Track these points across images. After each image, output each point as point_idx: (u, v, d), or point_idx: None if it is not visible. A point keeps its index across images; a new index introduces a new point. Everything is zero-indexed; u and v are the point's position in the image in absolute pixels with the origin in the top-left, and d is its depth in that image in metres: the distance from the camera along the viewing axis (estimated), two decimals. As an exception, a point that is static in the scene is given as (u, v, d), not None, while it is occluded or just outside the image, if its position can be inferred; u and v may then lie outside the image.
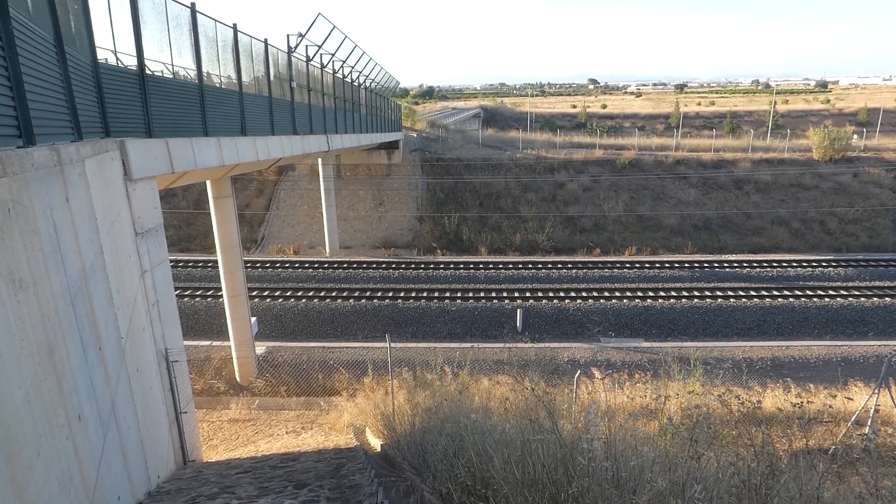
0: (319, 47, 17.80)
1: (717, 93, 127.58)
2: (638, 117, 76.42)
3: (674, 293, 21.03)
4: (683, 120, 63.60)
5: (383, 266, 25.36)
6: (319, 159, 27.35)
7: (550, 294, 21.27)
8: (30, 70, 3.98)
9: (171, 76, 8.57)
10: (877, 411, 10.15)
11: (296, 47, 16.36)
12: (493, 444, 4.94)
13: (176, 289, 14.35)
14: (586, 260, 26.26)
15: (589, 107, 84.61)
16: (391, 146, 32.89)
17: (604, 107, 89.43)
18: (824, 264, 24.71)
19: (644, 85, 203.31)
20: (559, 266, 24.98)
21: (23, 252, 3.32)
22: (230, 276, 15.30)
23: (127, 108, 7.02)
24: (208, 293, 21.17)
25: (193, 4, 8.99)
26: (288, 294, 21.38)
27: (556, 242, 28.76)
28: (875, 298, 20.15)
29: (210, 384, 15.04)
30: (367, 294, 21.42)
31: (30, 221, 3.49)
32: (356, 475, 6.14)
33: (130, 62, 7.34)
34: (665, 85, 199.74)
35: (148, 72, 7.51)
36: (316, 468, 6.82)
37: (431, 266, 25.34)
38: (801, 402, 4.87)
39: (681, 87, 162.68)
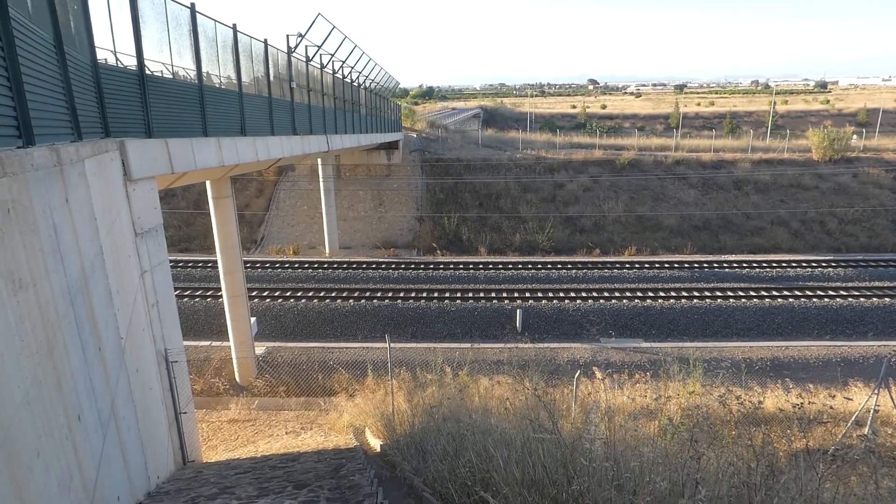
0: (319, 47, 17.80)
1: (716, 93, 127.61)
2: (637, 118, 76.40)
3: (673, 293, 21.04)
4: (683, 120, 63.62)
5: (383, 266, 25.36)
6: (319, 159, 27.34)
7: (550, 294, 21.27)
8: (30, 70, 3.97)
9: (171, 76, 8.57)
10: (876, 411, 10.16)
11: (295, 47, 16.36)
12: (493, 443, 4.93)
13: (176, 289, 14.35)
14: (586, 260, 26.25)
15: (588, 107, 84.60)
16: (391, 146, 32.90)
17: (603, 107, 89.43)
18: (824, 264, 24.72)
19: (644, 85, 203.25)
20: (559, 266, 24.98)
21: (23, 252, 3.32)
22: (230, 277, 15.30)
23: (127, 109, 7.02)
24: (208, 293, 21.16)
25: (193, 5, 9.00)
26: (287, 294, 21.37)
27: (556, 243, 28.77)
28: (875, 299, 20.16)
29: (210, 384, 15.03)
30: (367, 294, 21.41)
31: (30, 221, 3.48)
32: (356, 475, 6.13)
33: (130, 62, 7.34)
34: (665, 85, 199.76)
35: (148, 72, 7.51)
36: (315, 468, 6.82)
37: (431, 266, 25.33)
38: (801, 403, 4.86)
39: (680, 88, 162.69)
